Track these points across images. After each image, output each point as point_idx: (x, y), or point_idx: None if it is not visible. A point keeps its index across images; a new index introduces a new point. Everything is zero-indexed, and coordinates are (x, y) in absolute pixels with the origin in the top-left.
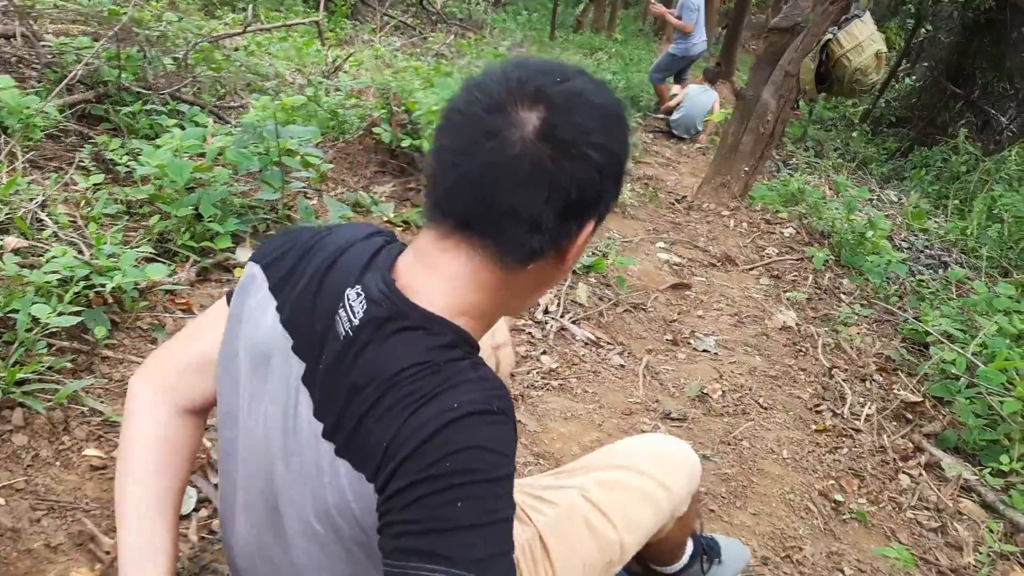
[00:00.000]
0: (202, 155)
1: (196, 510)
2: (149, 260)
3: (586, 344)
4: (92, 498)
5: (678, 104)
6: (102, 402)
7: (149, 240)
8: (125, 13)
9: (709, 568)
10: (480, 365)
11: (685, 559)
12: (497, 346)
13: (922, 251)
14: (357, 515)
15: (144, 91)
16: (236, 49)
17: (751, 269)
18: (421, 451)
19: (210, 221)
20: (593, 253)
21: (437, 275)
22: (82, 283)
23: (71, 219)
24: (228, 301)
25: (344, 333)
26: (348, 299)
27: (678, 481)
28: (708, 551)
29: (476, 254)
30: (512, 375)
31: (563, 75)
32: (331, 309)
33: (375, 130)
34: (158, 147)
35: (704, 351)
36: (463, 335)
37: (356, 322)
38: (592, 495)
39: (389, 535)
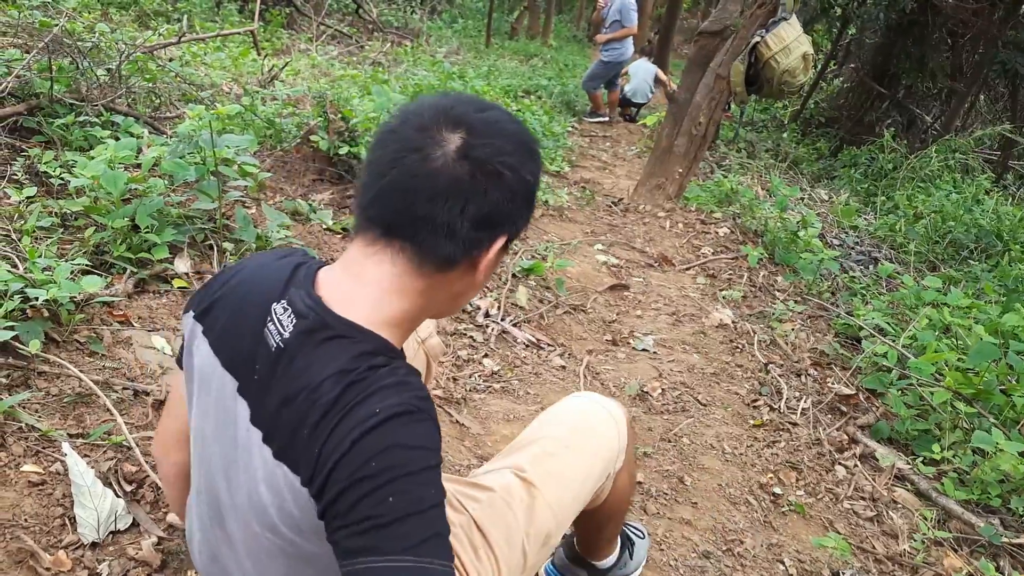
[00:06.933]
0: (137, 166)
1: None
2: (85, 272)
3: (527, 346)
4: (30, 514)
5: (626, 78)
6: (39, 417)
7: (85, 252)
8: (56, 24)
9: (631, 559)
10: (399, 369)
11: (616, 552)
12: (423, 340)
13: (853, 248)
14: (296, 516)
15: (77, 103)
16: (171, 60)
17: (687, 269)
18: (348, 458)
19: (147, 232)
20: (532, 256)
21: (362, 285)
22: (17, 297)
23: (4, 233)
24: (179, 363)
25: (275, 345)
26: (275, 313)
27: (606, 437)
28: (629, 543)
29: (399, 259)
30: (454, 379)
31: (484, 106)
32: (258, 324)
33: (312, 138)
34: (92, 158)
35: (643, 350)
36: (384, 343)
37: (286, 335)
38: (523, 473)
39: (338, 539)
